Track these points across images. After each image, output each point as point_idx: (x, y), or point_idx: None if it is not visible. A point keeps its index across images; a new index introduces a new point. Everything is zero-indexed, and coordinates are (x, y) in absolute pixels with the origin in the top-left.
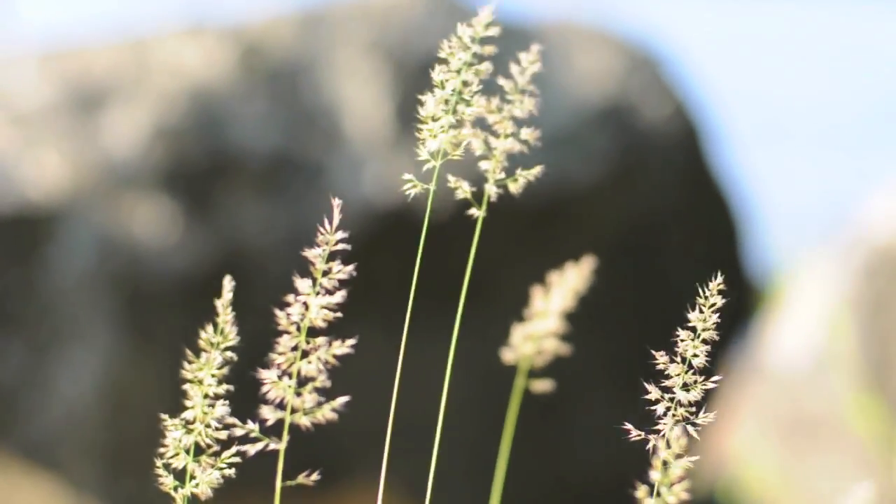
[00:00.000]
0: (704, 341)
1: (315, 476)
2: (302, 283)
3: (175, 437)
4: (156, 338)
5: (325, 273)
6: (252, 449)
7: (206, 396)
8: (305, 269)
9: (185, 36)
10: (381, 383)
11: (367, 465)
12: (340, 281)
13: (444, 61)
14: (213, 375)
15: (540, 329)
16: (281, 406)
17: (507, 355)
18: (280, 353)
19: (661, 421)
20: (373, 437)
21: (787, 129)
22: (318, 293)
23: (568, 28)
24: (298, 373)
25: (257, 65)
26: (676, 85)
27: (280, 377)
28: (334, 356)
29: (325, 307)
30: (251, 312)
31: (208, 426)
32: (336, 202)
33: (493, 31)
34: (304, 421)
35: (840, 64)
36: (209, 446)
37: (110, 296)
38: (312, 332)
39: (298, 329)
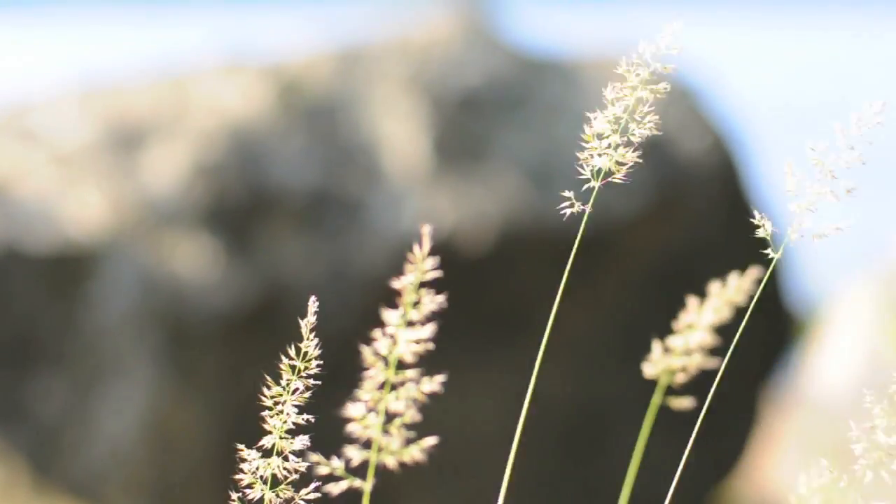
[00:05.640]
0: None
1: None
2: (390, 315)
3: (251, 467)
4: (198, 374)
5: (415, 304)
6: (336, 489)
7: (284, 424)
8: (348, 305)
9: (223, 74)
10: (427, 416)
11: (414, 497)
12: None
13: (622, 77)
14: (293, 404)
15: (685, 343)
16: (367, 445)
17: (647, 370)
18: (366, 390)
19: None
20: (420, 469)
21: (824, 158)
22: (407, 325)
23: (605, 62)
24: (386, 410)
25: (296, 102)
26: (714, 117)
27: (366, 414)
28: (423, 392)
29: (415, 341)
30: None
31: (286, 458)
32: (426, 228)
33: (677, 50)
34: (391, 461)
35: (880, 93)
36: (286, 478)
37: (152, 333)
38: (401, 366)
39: (386, 363)
